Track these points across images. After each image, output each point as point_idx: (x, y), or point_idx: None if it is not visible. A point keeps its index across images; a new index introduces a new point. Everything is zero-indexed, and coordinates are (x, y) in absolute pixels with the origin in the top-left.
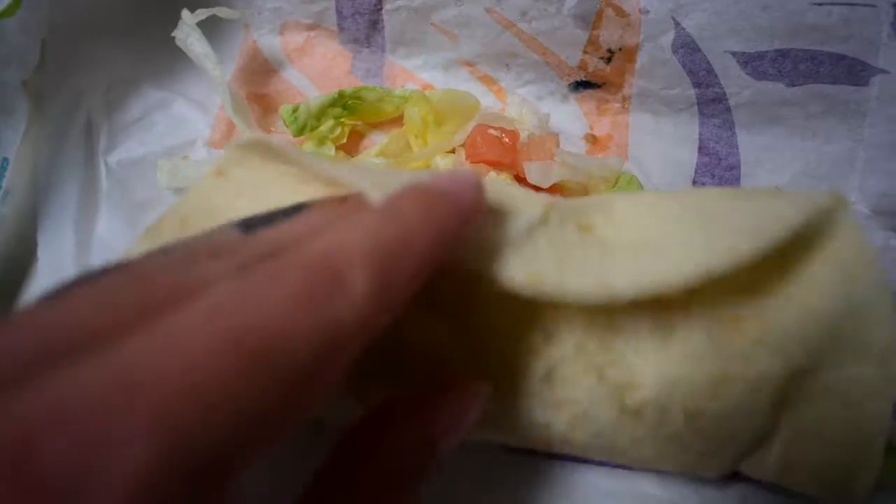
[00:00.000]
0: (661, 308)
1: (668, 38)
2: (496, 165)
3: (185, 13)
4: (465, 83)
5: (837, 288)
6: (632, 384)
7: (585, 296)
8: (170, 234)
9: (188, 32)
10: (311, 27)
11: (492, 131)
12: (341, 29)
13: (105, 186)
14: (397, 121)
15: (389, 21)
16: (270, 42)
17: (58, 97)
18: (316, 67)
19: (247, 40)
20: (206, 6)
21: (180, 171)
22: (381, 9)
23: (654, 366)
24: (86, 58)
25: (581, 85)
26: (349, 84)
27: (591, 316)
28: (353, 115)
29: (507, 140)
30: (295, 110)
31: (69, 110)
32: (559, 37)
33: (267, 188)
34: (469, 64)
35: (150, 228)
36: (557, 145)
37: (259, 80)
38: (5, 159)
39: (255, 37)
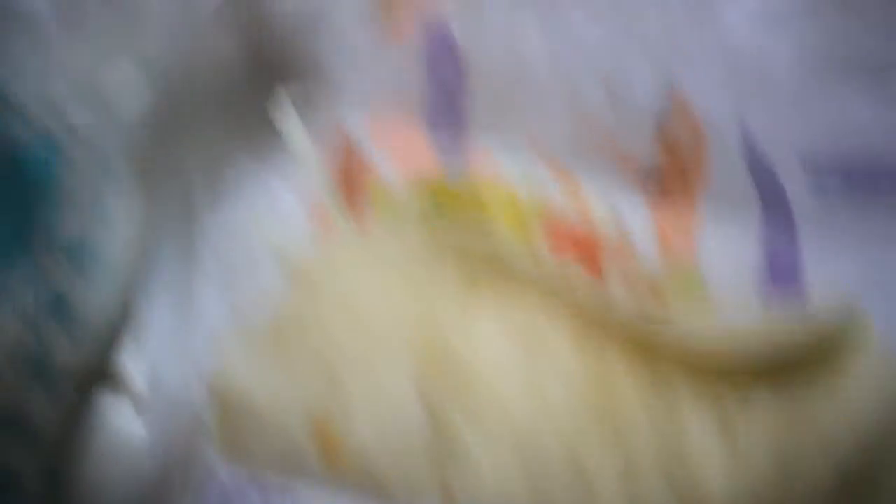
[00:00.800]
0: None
1: (735, 141)
2: (576, 260)
3: (281, 90)
4: (539, 173)
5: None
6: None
7: None
8: (265, 349)
9: (283, 109)
10: (394, 105)
11: (570, 225)
12: (424, 108)
13: (203, 254)
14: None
15: (472, 104)
16: (354, 119)
17: (157, 167)
18: (397, 148)
19: (332, 117)
20: (301, 80)
21: (276, 239)
22: (464, 91)
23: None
24: (187, 128)
25: (649, 183)
26: (429, 162)
27: None
28: (438, 204)
29: (584, 235)
30: (384, 195)
31: (169, 181)
32: (631, 134)
33: (362, 297)
34: (545, 155)
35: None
36: (631, 244)
37: (343, 156)
38: (108, 226)
39: (341, 113)
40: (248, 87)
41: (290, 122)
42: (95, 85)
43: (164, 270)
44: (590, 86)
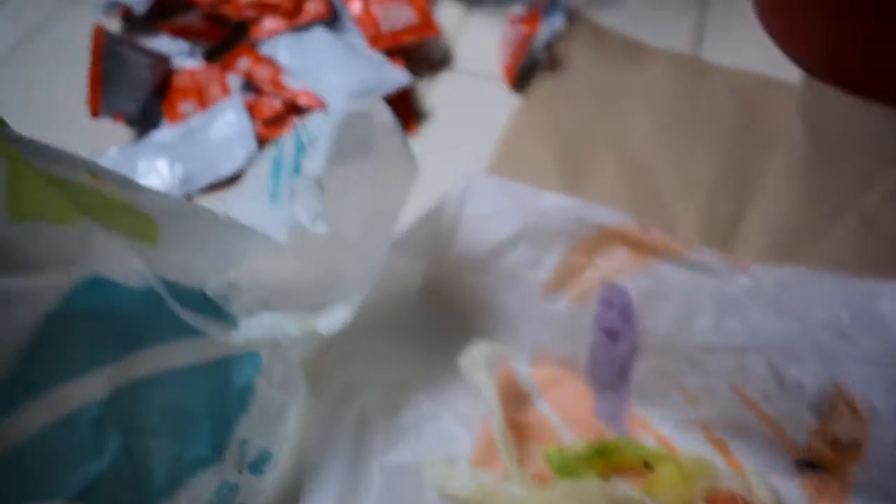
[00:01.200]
0: None
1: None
2: None
3: (477, 347)
4: (697, 443)
5: None
6: None
7: None
8: None
9: (475, 362)
10: (562, 363)
11: (731, 492)
12: (590, 371)
13: (375, 486)
14: (639, 470)
15: (638, 375)
16: (523, 370)
17: (333, 384)
18: (563, 402)
19: (504, 365)
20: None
21: (448, 480)
22: (633, 363)
23: None
24: (365, 354)
25: (805, 464)
26: (593, 424)
27: None
28: (605, 463)
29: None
30: (560, 452)
31: (343, 400)
32: (793, 420)
33: None
34: (704, 426)
35: None
36: None
37: (511, 405)
38: (287, 437)
39: (511, 363)
40: (425, 323)
41: (476, 371)
42: (316, 308)
43: (329, 482)
44: (757, 368)
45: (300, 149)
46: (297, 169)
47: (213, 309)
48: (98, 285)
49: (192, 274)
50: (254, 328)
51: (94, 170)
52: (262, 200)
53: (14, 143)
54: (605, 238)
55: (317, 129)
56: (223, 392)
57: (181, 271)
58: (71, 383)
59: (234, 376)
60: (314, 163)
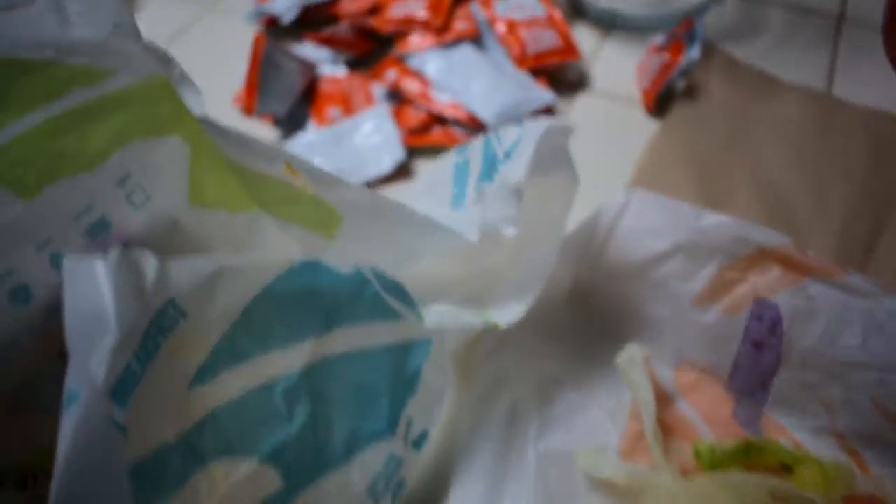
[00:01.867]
0: None
1: None
2: None
3: (635, 347)
4: (831, 450)
5: None
6: None
7: None
8: None
9: (632, 361)
10: (704, 369)
11: (868, 497)
12: (732, 379)
13: (529, 470)
14: (778, 472)
15: (778, 385)
16: (665, 373)
17: (485, 374)
18: (703, 405)
19: (648, 368)
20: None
21: (598, 465)
22: (774, 375)
23: None
24: (514, 348)
25: None
26: (731, 426)
27: None
28: (750, 462)
29: None
30: (712, 450)
31: (495, 388)
32: None
33: None
34: (839, 435)
35: None
36: None
37: (659, 404)
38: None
39: (653, 366)
40: (571, 325)
41: (633, 368)
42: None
43: (481, 464)
44: None
45: (492, 157)
46: (487, 175)
47: (404, 296)
48: (312, 268)
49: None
50: (439, 316)
51: (290, 161)
52: (442, 202)
53: (208, 130)
54: (762, 256)
55: (510, 140)
56: (400, 373)
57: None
58: (274, 354)
59: (410, 360)
60: (514, 171)
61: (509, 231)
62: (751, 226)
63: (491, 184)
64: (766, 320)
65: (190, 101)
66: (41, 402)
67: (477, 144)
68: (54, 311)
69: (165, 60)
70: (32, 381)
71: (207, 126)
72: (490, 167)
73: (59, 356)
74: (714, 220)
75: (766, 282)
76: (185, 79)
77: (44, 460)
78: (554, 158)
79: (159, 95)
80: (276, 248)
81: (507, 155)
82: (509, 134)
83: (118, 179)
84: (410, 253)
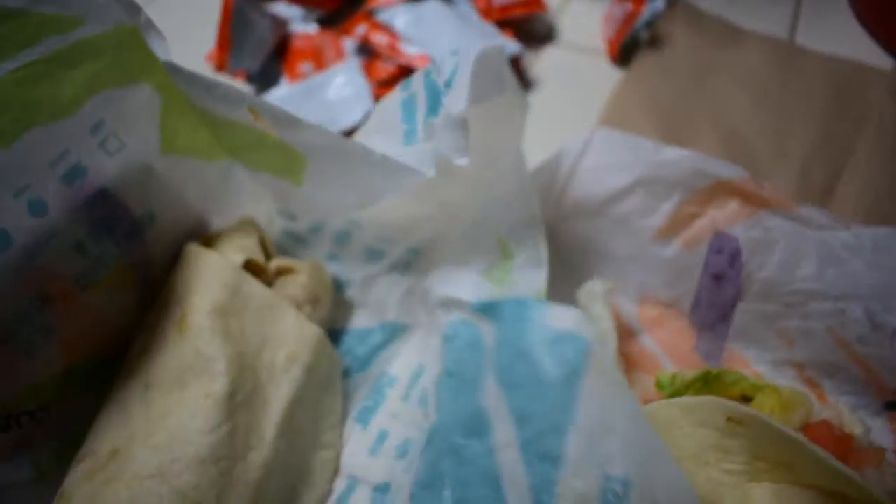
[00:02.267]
0: None
1: None
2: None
3: (597, 282)
4: (790, 381)
5: None
6: None
7: None
8: None
9: (593, 296)
10: (666, 304)
11: (827, 426)
12: (694, 313)
13: None
14: (738, 400)
15: (738, 317)
16: (629, 309)
17: None
18: (666, 339)
19: (611, 303)
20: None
21: None
22: (734, 307)
23: None
24: None
25: (893, 405)
26: (692, 359)
27: None
28: (709, 390)
29: (841, 437)
30: (672, 378)
31: None
32: (885, 363)
33: None
34: (797, 366)
35: None
36: (883, 458)
37: (618, 339)
38: None
39: (617, 302)
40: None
41: (594, 303)
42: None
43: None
44: (854, 314)
45: (435, 90)
46: (433, 108)
47: None
48: None
49: (333, 211)
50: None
51: (253, 105)
52: (393, 140)
53: (174, 76)
54: (720, 189)
55: (449, 70)
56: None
57: (323, 209)
58: None
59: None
60: (457, 100)
61: (462, 161)
62: (709, 159)
63: (435, 117)
64: (725, 253)
65: (156, 47)
66: (20, 343)
67: (419, 77)
68: (33, 254)
69: (132, 8)
70: (12, 323)
71: (173, 71)
72: (435, 99)
73: (38, 298)
74: (673, 154)
75: (724, 215)
76: (150, 26)
77: (26, 401)
78: (495, 81)
79: (128, 44)
80: (248, 195)
81: (448, 84)
82: (447, 63)
83: (91, 127)
84: (373, 193)
